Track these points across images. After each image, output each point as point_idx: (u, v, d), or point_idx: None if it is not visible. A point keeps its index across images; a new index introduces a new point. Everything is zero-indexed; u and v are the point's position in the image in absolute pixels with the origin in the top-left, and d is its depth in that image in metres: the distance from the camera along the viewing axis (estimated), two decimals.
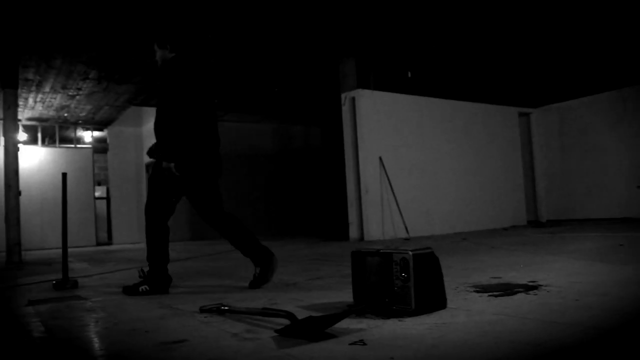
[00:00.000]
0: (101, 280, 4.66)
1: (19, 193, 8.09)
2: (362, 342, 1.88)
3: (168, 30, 3.78)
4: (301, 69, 10.21)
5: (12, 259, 7.71)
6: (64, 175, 4.22)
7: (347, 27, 8.34)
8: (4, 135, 8.29)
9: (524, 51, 9.91)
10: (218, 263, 5.80)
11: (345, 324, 2.17)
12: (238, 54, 9.12)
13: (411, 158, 9.53)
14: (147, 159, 11.95)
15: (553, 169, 11.43)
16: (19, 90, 9.47)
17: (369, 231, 8.77)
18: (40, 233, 12.03)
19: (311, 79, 10.85)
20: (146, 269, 3.58)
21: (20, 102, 10.67)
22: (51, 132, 13.36)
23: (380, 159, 9.03)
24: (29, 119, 12.50)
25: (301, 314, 2.27)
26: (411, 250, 2.33)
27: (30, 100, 10.98)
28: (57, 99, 11.03)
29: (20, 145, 8.99)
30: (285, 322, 2.18)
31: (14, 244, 7.86)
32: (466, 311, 2.36)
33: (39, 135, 13.03)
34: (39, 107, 11.50)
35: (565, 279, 3.14)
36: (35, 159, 12.54)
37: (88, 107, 11.76)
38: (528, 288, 2.87)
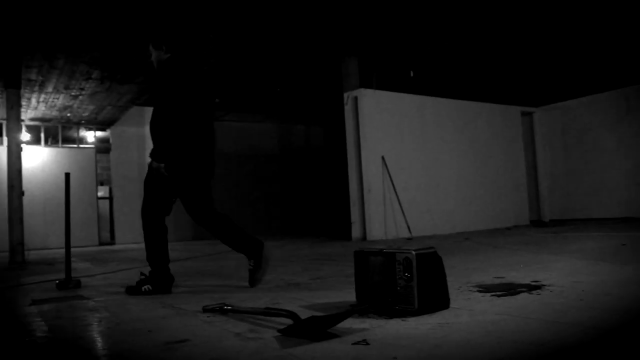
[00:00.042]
0: (104, 280, 4.67)
1: (22, 193, 8.11)
2: (365, 342, 1.88)
3: (163, 31, 3.78)
4: (303, 68, 10.21)
5: (15, 258, 7.72)
6: (67, 175, 4.22)
7: (350, 27, 8.33)
8: (7, 136, 8.30)
9: (526, 50, 9.90)
10: (220, 263, 5.80)
11: (348, 323, 2.16)
12: (240, 53, 9.12)
13: (413, 157, 9.52)
14: (149, 159, 11.95)
15: (556, 168, 11.40)
16: (22, 91, 9.49)
17: (371, 231, 8.77)
18: (43, 233, 12.05)
19: (313, 79, 10.85)
20: (146, 270, 3.59)
21: (23, 103, 10.70)
22: (54, 132, 13.39)
23: (383, 158, 9.02)
24: (32, 119, 12.53)
25: (304, 314, 2.27)
26: (414, 250, 2.33)
27: (33, 101, 11.00)
28: (60, 99, 11.05)
29: (23, 146, 9.00)
30: (288, 321, 2.18)
31: (17, 243, 7.87)
32: (469, 311, 2.36)
33: (42, 135, 13.06)
34: (41, 107, 11.52)
35: (568, 279, 3.14)
36: (38, 159, 12.56)
37: (91, 107, 11.78)
38: (531, 288, 2.87)
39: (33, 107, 11.49)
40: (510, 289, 2.86)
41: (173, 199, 3.61)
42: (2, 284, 4.78)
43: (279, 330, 2.11)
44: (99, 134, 13.89)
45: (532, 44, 9.55)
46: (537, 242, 6.28)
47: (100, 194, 14.03)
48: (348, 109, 9.23)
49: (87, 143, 14.02)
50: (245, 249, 3.59)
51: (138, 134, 13.33)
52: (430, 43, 9.32)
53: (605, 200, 10.38)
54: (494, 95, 10.99)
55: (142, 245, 3.61)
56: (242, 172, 13.57)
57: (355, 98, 9.12)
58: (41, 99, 10.94)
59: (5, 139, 10.01)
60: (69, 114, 12.33)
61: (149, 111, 13.74)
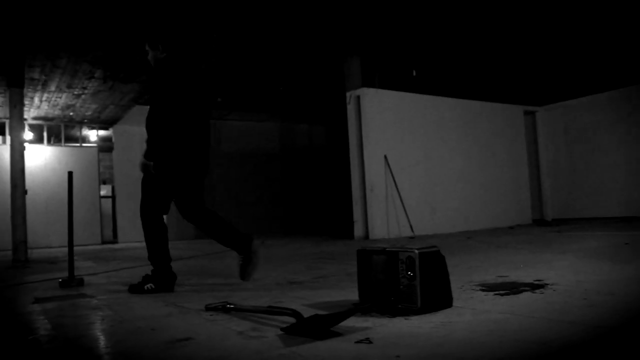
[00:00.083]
0: (107, 278, 4.68)
1: (25, 192, 8.13)
2: (368, 341, 1.88)
3: (160, 31, 3.79)
4: (306, 67, 10.20)
5: (18, 257, 7.74)
6: (70, 174, 4.23)
7: (352, 26, 8.33)
8: (10, 134, 8.32)
9: (529, 49, 9.88)
10: (222, 261, 5.80)
11: (351, 322, 2.16)
12: (243, 52, 9.13)
13: (416, 156, 9.51)
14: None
15: (558, 167, 11.38)
16: (25, 90, 9.51)
17: (373, 229, 8.77)
18: (45, 231, 12.07)
19: (316, 78, 10.84)
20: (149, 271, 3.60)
21: (26, 102, 10.72)
22: (57, 131, 13.42)
23: (385, 157, 9.02)
24: (35, 118, 12.55)
25: (307, 313, 2.27)
26: (417, 249, 2.32)
27: (36, 100, 11.02)
28: (63, 98, 11.06)
29: (26, 144, 9.03)
30: (291, 320, 2.18)
31: (20, 242, 7.90)
32: (472, 310, 2.35)
33: (45, 134, 13.09)
34: (44, 106, 11.54)
35: (571, 278, 3.13)
36: (41, 158, 12.59)
37: (93, 106, 11.79)
38: (534, 287, 2.86)
39: (36, 106, 11.51)
40: (513, 288, 2.85)
41: (171, 198, 3.62)
42: (5, 282, 4.80)
43: (282, 329, 2.10)
44: (102, 132, 13.91)
45: (535, 42, 9.53)
46: (540, 241, 6.27)
47: (102, 192, 14.05)
48: (350, 108, 9.22)
49: (89, 142, 14.05)
50: (235, 244, 3.61)
51: (141, 133, 13.25)
52: (433, 42, 9.31)
53: (608, 200, 10.36)
54: (497, 94, 10.97)
55: (144, 244, 3.62)
56: (245, 171, 13.58)
57: (358, 97, 9.12)
58: (44, 98, 10.96)
59: (8, 137, 10.04)
60: (71, 113, 12.34)
61: None
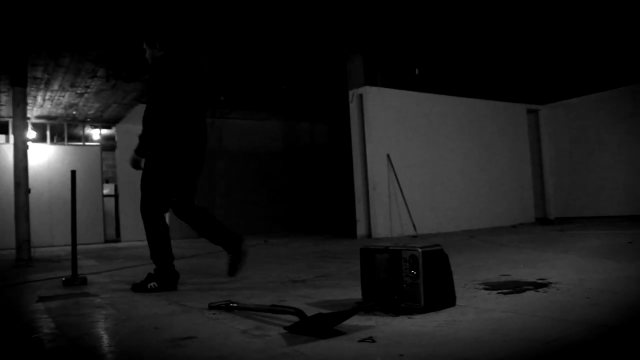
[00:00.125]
0: (110, 277, 4.68)
1: (29, 191, 8.15)
2: (371, 339, 1.88)
3: (157, 29, 3.80)
4: (308, 66, 10.20)
5: (22, 256, 7.76)
6: (73, 172, 4.23)
7: (355, 24, 8.32)
8: (14, 133, 8.34)
9: (532, 47, 9.86)
10: (225, 260, 5.80)
11: (354, 321, 2.16)
12: (245, 51, 9.13)
13: (419, 155, 9.51)
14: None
15: (562, 166, 11.35)
16: (28, 89, 9.53)
17: (376, 228, 8.77)
18: (48, 230, 12.11)
19: (318, 76, 10.84)
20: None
21: (29, 101, 10.74)
22: (60, 130, 13.44)
23: (388, 155, 9.01)
24: (38, 117, 12.58)
25: (310, 311, 2.28)
26: (420, 247, 2.32)
27: (39, 99, 11.04)
28: (66, 97, 11.08)
29: (29, 143, 9.05)
30: (294, 319, 2.18)
31: (24, 241, 7.92)
32: (475, 308, 2.35)
33: (48, 133, 13.11)
34: (47, 105, 11.56)
35: (574, 277, 3.13)
36: (44, 157, 12.61)
37: (96, 105, 11.81)
38: (537, 285, 2.86)
39: (39, 105, 11.53)
40: (516, 287, 2.85)
41: (172, 198, 3.63)
42: (9, 281, 4.81)
43: (285, 328, 2.11)
44: (105, 131, 13.94)
45: (538, 41, 9.51)
46: (543, 240, 6.26)
47: (105, 191, 14.07)
48: (353, 106, 9.22)
49: (92, 141, 14.06)
50: (224, 242, 3.65)
51: None
52: (435, 40, 9.29)
53: (611, 198, 10.33)
54: (500, 92, 10.95)
55: (147, 243, 3.63)
56: (247, 170, 13.59)
57: (360, 96, 9.11)
58: (47, 97, 10.98)
59: (11, 136, 10.06)
60: (74, 112, 12.36)
61: None
